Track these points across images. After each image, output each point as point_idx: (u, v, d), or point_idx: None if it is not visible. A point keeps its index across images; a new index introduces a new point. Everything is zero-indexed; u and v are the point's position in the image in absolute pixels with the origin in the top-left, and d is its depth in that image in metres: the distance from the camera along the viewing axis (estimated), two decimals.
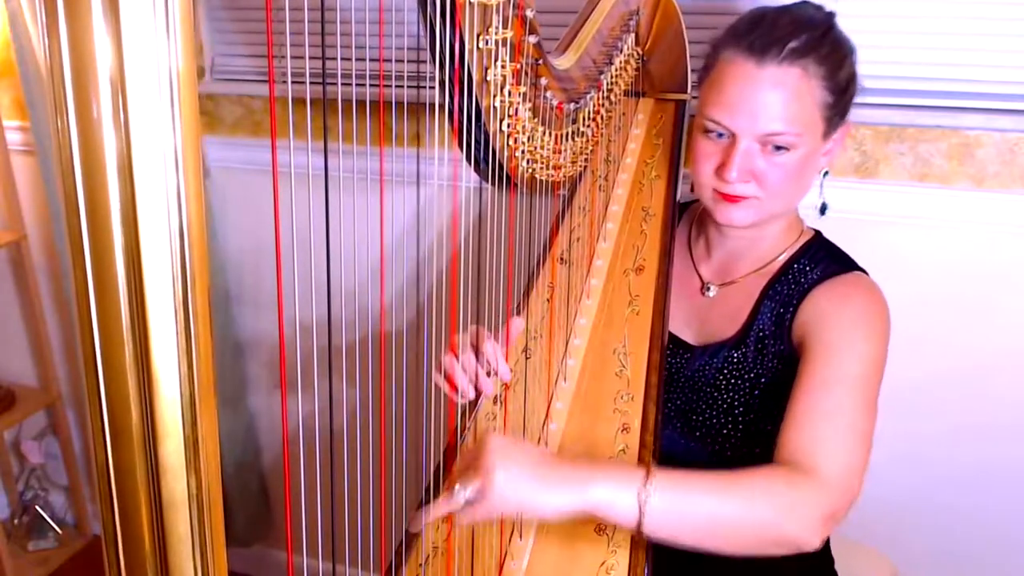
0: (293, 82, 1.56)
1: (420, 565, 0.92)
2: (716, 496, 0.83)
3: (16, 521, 2.29)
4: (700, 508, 0.82)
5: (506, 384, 1.06)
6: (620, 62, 1.21)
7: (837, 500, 0.87)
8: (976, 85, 1.39)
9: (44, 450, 2.27)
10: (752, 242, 1.11)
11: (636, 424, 1.00)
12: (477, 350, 0.99)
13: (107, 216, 0.41)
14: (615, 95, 1.21)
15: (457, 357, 0.99)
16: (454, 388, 1.00)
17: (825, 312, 1.01)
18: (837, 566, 1.19)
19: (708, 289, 1.14)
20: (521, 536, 0.92)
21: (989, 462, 1.53)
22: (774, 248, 1.11)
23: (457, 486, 0.79)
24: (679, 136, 1.30)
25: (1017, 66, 1.37)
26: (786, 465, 0.89)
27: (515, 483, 0.79)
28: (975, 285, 1.46)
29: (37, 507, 2.26)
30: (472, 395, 0.99)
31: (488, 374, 0.99)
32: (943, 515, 1.59)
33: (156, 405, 0.44)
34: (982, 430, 1.52)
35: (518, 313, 1.12)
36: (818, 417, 0.91)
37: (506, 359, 1.00)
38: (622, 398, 1.02)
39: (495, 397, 1.06)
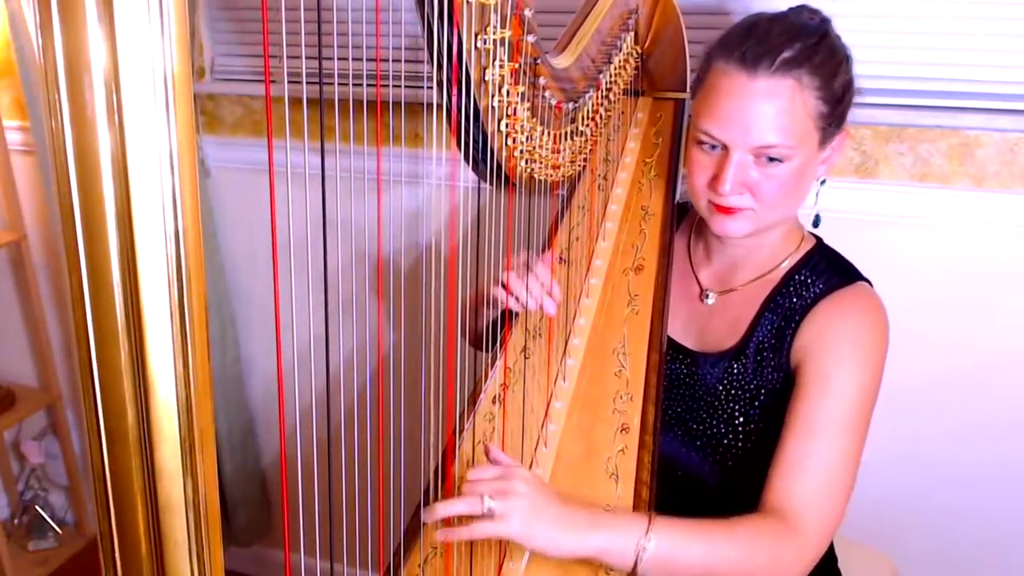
0: (291, 82, 1.56)
1: (419, 565, 0.92)
2: (706, 550, 0.88)
3: (16, 521, 2.29)
4: (690, 560, 0.87)
5: (504, 384, 1.06)
6: (619, 61, 1.20)
7: (818, 551, 0.93)
8: (976, 85, 1.39)
9: (44, 450, 2.27)
10: (751, 250, 1.10)
11: (635, 424, 0.99)
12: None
13: (102, 218, 0.41)
14: (614, 94, 1.21)
15: (517, 275, 1.05)
16: (511, 303, 1.06)
17: (823, 338, 1.01)
18: (838, 565, 1.18)
19: (707, 296, 1.13)
20: None
21: (989, 462, 1.53)
22: (774, 256, 1.10)
23: (487, 498, 0.82)
24: (678, 135, 1.30)
25: (1017, 66, 1.37)
26: (773, 515, 0.92)
27: (537, 515, 0.83)
28: (975, 285, 1.46)
29: (37, 507, 2.26)
30: (532, 305, 1.04)
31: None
32: (943, 515, 1.59)
33: (152, 408, 0.44)
34: (982, 430, 1.52)
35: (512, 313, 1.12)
36: (808, 466, 0.94)
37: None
38: (621, 398, 1.02)
39: (494, 397, 1.06)
